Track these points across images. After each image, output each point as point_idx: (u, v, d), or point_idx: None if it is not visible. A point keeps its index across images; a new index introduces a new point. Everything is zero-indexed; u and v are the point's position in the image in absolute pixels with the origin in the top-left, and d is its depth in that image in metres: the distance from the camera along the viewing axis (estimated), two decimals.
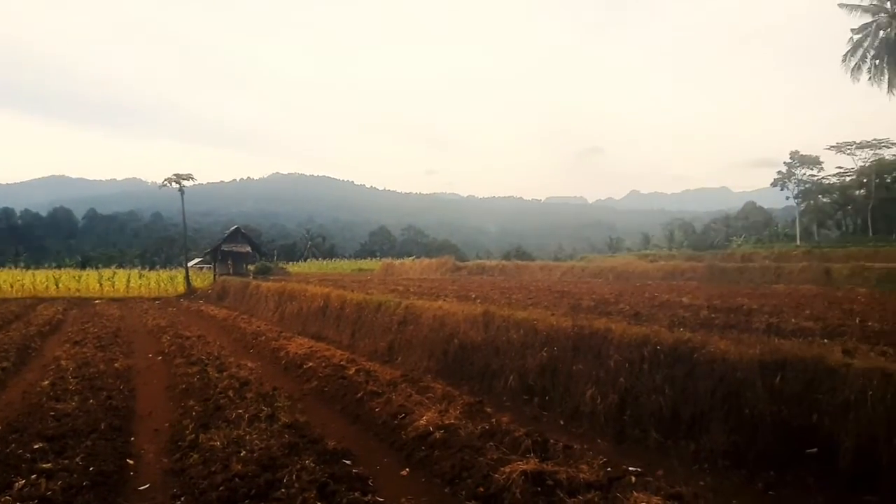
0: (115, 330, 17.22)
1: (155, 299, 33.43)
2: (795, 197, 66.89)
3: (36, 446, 6.00)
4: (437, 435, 6.36)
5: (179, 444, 6.57)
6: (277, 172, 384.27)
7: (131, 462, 6.21)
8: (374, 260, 71.17)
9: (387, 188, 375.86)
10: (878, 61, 41.41)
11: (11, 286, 35.22)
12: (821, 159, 64.75)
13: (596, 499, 4.62)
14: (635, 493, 4.60)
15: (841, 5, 42.33)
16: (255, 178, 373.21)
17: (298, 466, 5.40)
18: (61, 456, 5.79)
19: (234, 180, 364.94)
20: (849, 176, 62.03)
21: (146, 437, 7.23)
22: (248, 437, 6.25)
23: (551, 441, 6.02)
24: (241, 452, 5.80)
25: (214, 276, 40.65)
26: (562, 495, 4.72)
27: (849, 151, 60.97)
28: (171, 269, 48.92)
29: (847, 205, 62.51)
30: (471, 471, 5.45)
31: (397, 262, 57.87)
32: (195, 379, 9.71)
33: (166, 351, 13.43)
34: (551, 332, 8.63)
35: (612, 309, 12.91)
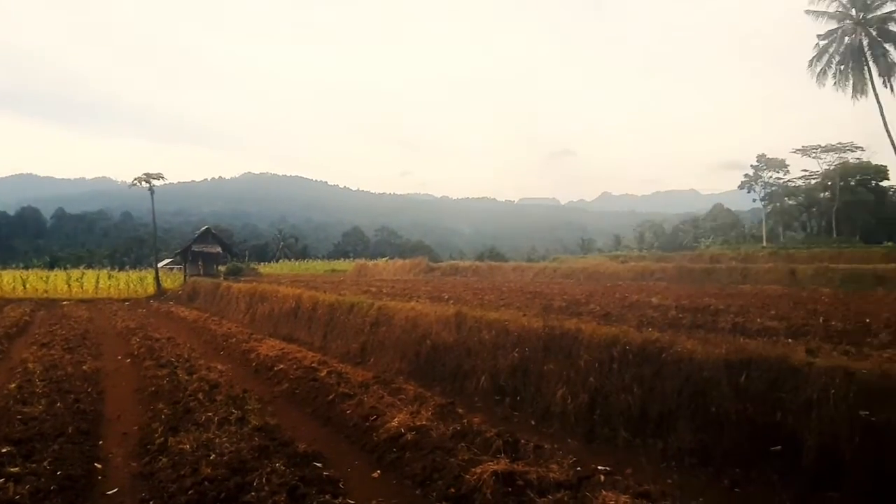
0: (84, 332, 16.93)
1: (124, 300, 32.88)
2: (762, 199, 68.54)
3: (3, 450, 5.88)
4: (409, 436, 6.35)
5: (148, 447, 6.48)
6: (249, 172, 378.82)
7: (99, 466, 6.11)
8: (347, 261, 70.64)
9: (360, 188, 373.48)
10: (842, 67, 42.63)
11: None
12: (787, 162, 66.57)
13: (565, 498, 4.65)
14: (604, 492, 4.65)
15: (808, 12, 43.55)
16: (227, 178, 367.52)
17: (269, 469, 5.36)
18: (29, 460, 5.68)
19: (206, 179, 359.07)
20: (814, 179, 63.68)
21: (114, 440, 7.11)
22: (217, 441, 6.18)
23: (522, 441, 6.05)
24: (210, 456, 5.73)
25: (185, 276, 40.14)
26: (532, 495, 4.74)
27: (814, 155, 62.57)
28: (140, 270, 48.13)
29: (812, 207, 64.13)
30: (442, 472, 5.45)
31: (370, 262, 57.64)
32: (164, 381, 9.59)
33: (135, 353, 13.23)
34: (523, 332, 8.67)
35: (583, 309, 13.02)
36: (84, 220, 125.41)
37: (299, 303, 17.16)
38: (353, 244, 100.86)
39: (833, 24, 43.06)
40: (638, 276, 31.48)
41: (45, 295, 34.30)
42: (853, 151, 59.75)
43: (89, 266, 52.36)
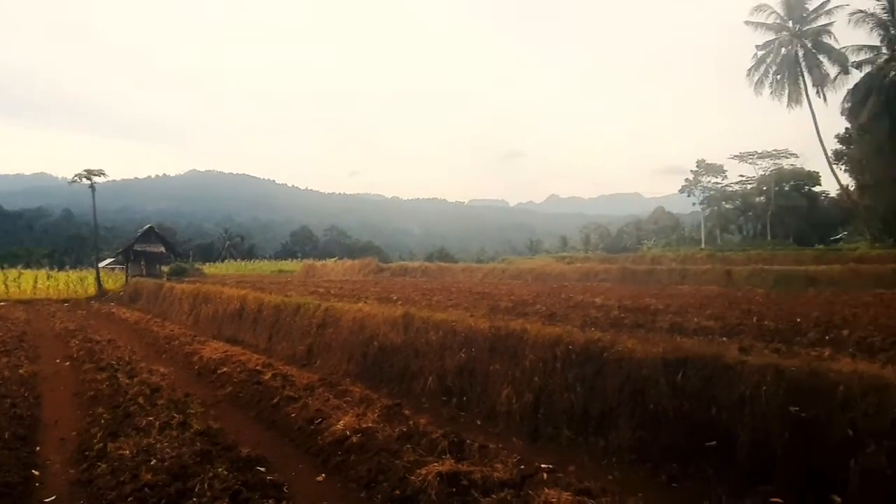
0: (21, 334, 16.53)
1: (64, 301, 32.00)
2: (701, 203, 70.94)
3: None
4: (354, 439, 6.31)
5: (87, 453, 6.34)
6: (195, 169, 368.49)
7: (36, 473, 5.93)
8: (295, 261, 69.61)
9: (309, 188, 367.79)
10: (779, 76, 44.31)
11: None
12: (725, 168, 69.03)
13: (509, 497, 4.70)
14: (547, 490, 4.72)
15: (747, 23, 45.14)
16: (172, 175, 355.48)
17: (210, 474, 5.27)
18: None
19: (150, 177, 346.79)
20: (750, 184, 66.33)
21: (52, 446, 6.92)
22: (158, 446, 6.07)
23: (467, 441, 6.08)
24: (151, 461, 5.62)
25: (127, 277, 39.11)
26: (476, 495, 4.77)
27: (750, 161, 65.11)
28: (81, 270, 46.75)
29: (748, 211, 66.78)
30: (387, 474, 5.43)
31: (319, 263, 56.99)
32: (104, 385, 9.37)
33: (75, 356, 12.91)
34: (470, 333, 8.72)
35: (530, 310, 13.18)
36: (22, 217, 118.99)
37: (244, 304, 16.86)
38: (301, 244, 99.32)
39: (771, 36, 44.61)
40: (583, 276, 32.07)
41: None
42: (787, 158, 62.48)
43: (27, 266, 50.69)
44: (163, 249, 43.37)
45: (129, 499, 4.91)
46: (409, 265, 47.79)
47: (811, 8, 42.68)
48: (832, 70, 41.96)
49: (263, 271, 58.14)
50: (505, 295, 18.31)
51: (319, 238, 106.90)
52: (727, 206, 69.94)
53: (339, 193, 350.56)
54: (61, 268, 48.44)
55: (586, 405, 6.59)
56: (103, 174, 38.38)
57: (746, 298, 15.94)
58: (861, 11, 38.64)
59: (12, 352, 13.03)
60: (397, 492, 5.10)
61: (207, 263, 65.17)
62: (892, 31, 37.62)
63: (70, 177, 39.01)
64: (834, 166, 43.93)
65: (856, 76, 40.33)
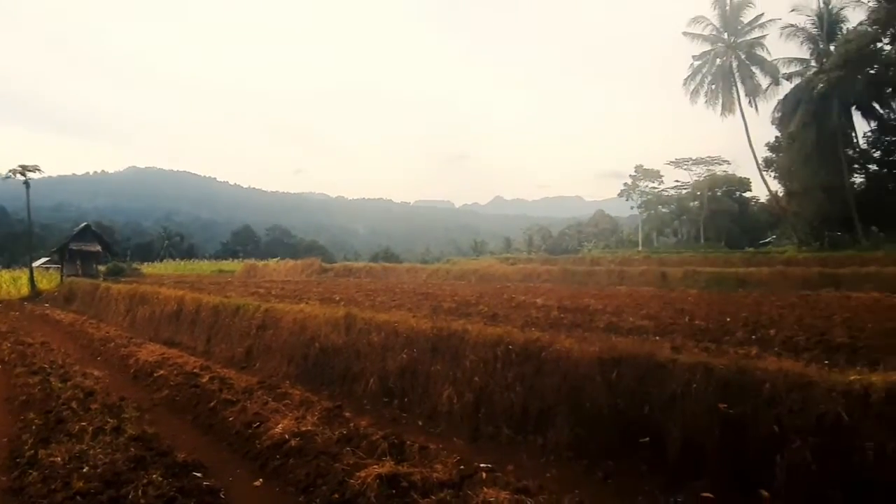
0: None
1: None
2: (639, 207, 73.34)
3: None
4: (293, 442, 6.22)
5: (17, 460, 6.07)
6: (134, 166, 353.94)
7: None
8: (236, 261, 68.08)
9: (252, 186, 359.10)
10: (713, 86, 45.99)
11: None
12: (661, 173, 71.77)
13: (448, 497, 4.72)
14: (485, 490, 4.76)
15: (685, 33, 46.72)
16: (111, 172, 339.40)
17: (145, 481, 5.15)
18: None
19: (88, 173, 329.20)
20: (685, 189, 69.06)
21: None
22: (91, 452, 5.91)
23: (408, 443, 6.07)
24: (83, 468, 5.47)
25: (62, 277, 37.40)
26: (415, 496, 4.78)
27: (685, 167, 67.81)
28: (14, 270, 44.30)
29: (683, 215, 69.38)
30: (326, 478, 5.38)
31: (261, 263, 55.76)
32: (36, 389, 9.06)
33: (5, 359, 12.42)
34: (412, 334, 8.70)
35: (472, 310, 13.26)
36: None
37: (182, 305, 16.37)
38: (243, 243, 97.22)
39: (707, 47, 46.28)
40: (526, 277, 32.46)
41: None
42: (720, 164, 65.41)
43: None
44: (99, 248, 41.95)
45: None
46: (353, 265, 47.38)
47: (745, 21, 44.52)
48: (764, 81, 43.93)
49: (203, 271, 56.55)
50: (449, 295, 18.37)
51: (262, 237, 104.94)
52: (663, 210, 72.53)
53: (283, 192, 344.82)
54: None
55: (526, 404, 6.67)
56: (38, 170, 36.90)
57: (680, 299, 16.43)
58: (792, 26, 40.76)
59: None
60: (336, 495, 5.05)
61: (146, 263, 63.37)
62: (821, 45, 39.73)
63: (3, 172, 37.15)
64: (764, 173, 45.89)
65: (786, 87, 42.47)
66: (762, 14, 43.88)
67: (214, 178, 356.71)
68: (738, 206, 62.35)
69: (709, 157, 65.68)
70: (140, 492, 4.96)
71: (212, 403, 8.20)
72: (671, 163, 68.69)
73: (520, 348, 7.07)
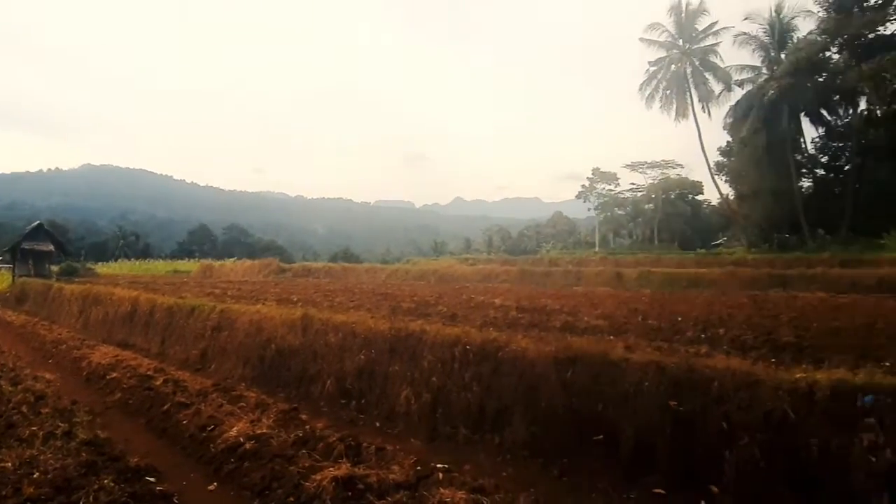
0: None
1: None
2: (595, 208, 74.56)
3: None
4: (248, 446, 6.12)
5: None
6: (89, 164, 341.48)
7: None
8: (192, 261, 66.70)
9: (209, 184, 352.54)
10: (668, 91, 47.04)
11: None
12: (618, 176, 73.03)
13: (404, 499, 4.71)
14: (442, 490, 4.76)
15: (641, 39, 47.69)
16: (65, 169, 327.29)
17: (96, 487, 5.02)
18: None
19: (41, 171, 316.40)
20: (640, 192, 70.53)
21: None
22: (42, 457, 5.71)
23: (365, 444, 6.02)
24: (34, 474, 5.29)
25: (13, 277, 35.94)
26: (371, 498, 4.75)
27: (641, 170, 69.16)
28: None
29: (638, 217, 70.87)
30: (281, 481, 5.32)
31: (217, 263, 54.73)
32: None
33: None
34: (370, 334, 8.65)
35: (431, 310, 13.27)
36: None
37: (136, 306, 15.94)
38: (199, 243, 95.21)
39: (662, 53, 47.36)
40: (485, 278, 32.67)
41: None
42: (674, 168, 66.90)
43: None
44: (52, 248, 40.41)
45: None
46: (312, 265, 46.94)
47: (700, 28, 45.70)
48: (717, 87, 45.29)
49: (158, 271, 55.23)
50: (408, 296, 18.34)
51: (219, 237, 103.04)
52: (619, 212, 73.99)
53: (242, 191, 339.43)
54: None
55: (483, 404, 6.70)
56: None
57: (634, 299, 16.77)
58: (745, 34, 42.06)
59: None
60: (291, 499, 5.00)
61: (100, 263, 61.77)
62: (773, 53, 41.07)
63: None
64: (715, 177, 47.25)
65: (738, 93, 43.85)
66: (716, 22, 45.19)
67: (171, 177, 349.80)
68: (691, 208, 64.11)
69: (663, 160, 67.18)
70: (91, 498, 4.85)
71: (166, 406, 8.02)
72: (627, 166, 70.08)
73: (477, 348, 7.10)
